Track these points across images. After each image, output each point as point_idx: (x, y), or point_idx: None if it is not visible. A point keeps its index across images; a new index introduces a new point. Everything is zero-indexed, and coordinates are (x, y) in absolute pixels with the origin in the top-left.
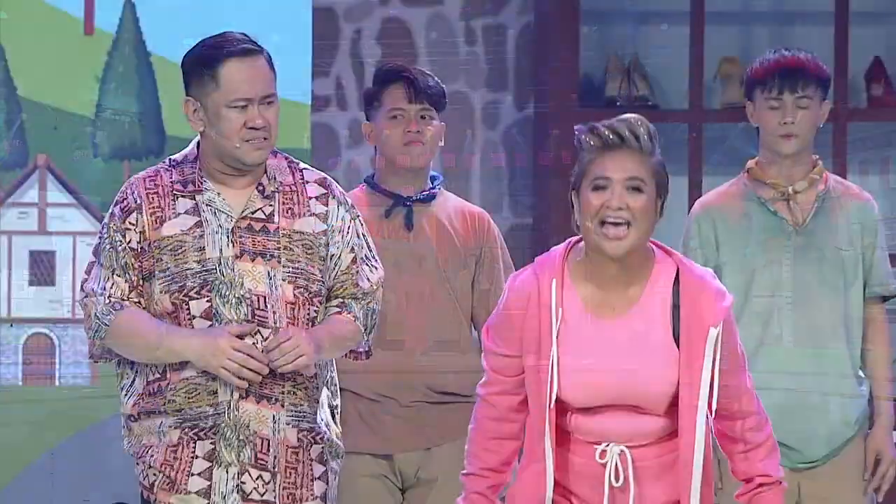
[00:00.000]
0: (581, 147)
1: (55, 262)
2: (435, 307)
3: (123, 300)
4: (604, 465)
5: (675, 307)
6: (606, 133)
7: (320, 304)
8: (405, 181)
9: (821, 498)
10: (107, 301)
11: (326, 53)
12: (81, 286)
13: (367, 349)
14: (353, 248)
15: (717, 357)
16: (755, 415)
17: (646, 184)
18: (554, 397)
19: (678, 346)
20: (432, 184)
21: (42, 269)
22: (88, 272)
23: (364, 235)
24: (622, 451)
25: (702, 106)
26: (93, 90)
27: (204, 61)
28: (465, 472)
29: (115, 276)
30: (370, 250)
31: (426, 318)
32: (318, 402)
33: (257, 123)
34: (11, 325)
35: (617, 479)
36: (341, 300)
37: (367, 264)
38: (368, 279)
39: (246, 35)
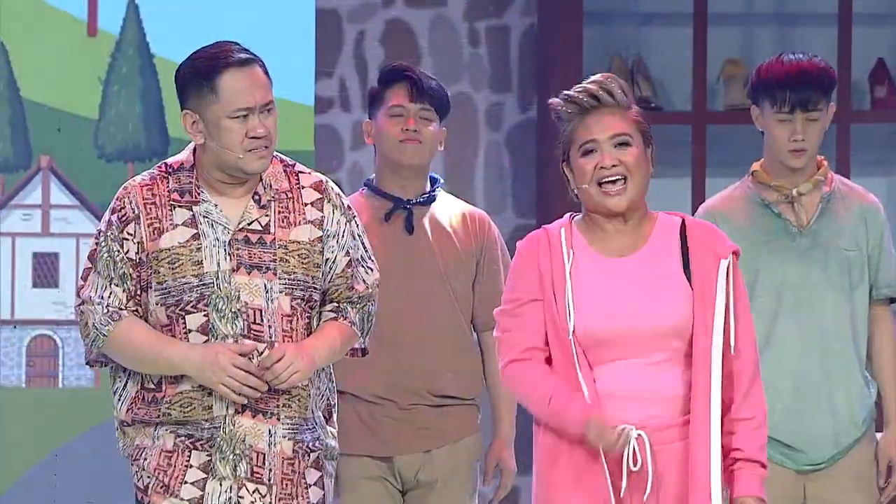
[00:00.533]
0: (560, 118)
1: (58, 264)
2: (435, 309)
3: (121, 310)
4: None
5: (684, 254)
6: (581, 97)
7: (312, 309)
8: (403, 182)
9: (827, 500)
10: (105, 311)
11: (330, 55)
12: (78, 293)
13: (363, 346)
14: (348, 252)
15: (731, 291)
16: (757, 389)
17: (631, 137)
18: (572, 326)
19: (690, 286)
20: (432, 186)
21: (45, 270)
22: (85, 278)
23: (360, 236)
24: (640, 434)
25: (705, 107)
26: (96, 92)
27: (201, 73)
28: (539, 398)
29: (112, 285)
30: (366, 251)
31: (426, 321)
32: (312, 410)
33: (259, 133)
34: (15, 327)
35: (635, 464)
36: (336, 304)
37: (362, 266)
38: (364, 281)
39: (238, 44)
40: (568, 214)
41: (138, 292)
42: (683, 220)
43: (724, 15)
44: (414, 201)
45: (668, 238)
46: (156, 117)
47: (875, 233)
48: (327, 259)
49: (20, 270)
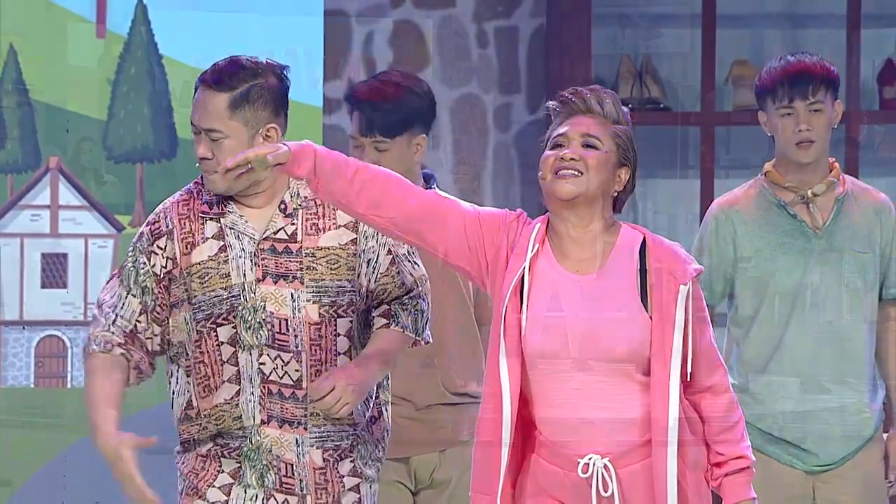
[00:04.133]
0: (550, 116)
1: (67, 265)
2: (449, 307)
3: (115, 345)
4: (587, 479)
5: (643, 273)
6: (572, 99)
7: (353, 313)
8: None
9: (836, 501)
10: (106, 329)
11: (338, 56)
12: (100, 291)
13: (425, 339)
14: (389, 249)
15: (689, 317)
16: (729, 393)
17: (602, 143)
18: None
19: (647, 309)
20: (427, 183)
21: (54, 271)
22: (108, 281)
23: None
24: (606, 464)
25: (713, 108)
26: (105, 93)
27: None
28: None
29: (130, 295)
30: (410, 247)
31: (441, 319)
32: (349, 416)
33: (199, 152)
34: (24, 328)
35: (606, 490)
36: (387, 307)
37: (408, 261)
38: (411, 274)
39: (252, 61)
40: (546, 214)
41: (156, 308)
42: (644, 239)
43: (733, 16)
44: None
45: (628, 259)
46: (164, 118)
47: (888, 231)
48: (369, 260)
49: (28, 271)
